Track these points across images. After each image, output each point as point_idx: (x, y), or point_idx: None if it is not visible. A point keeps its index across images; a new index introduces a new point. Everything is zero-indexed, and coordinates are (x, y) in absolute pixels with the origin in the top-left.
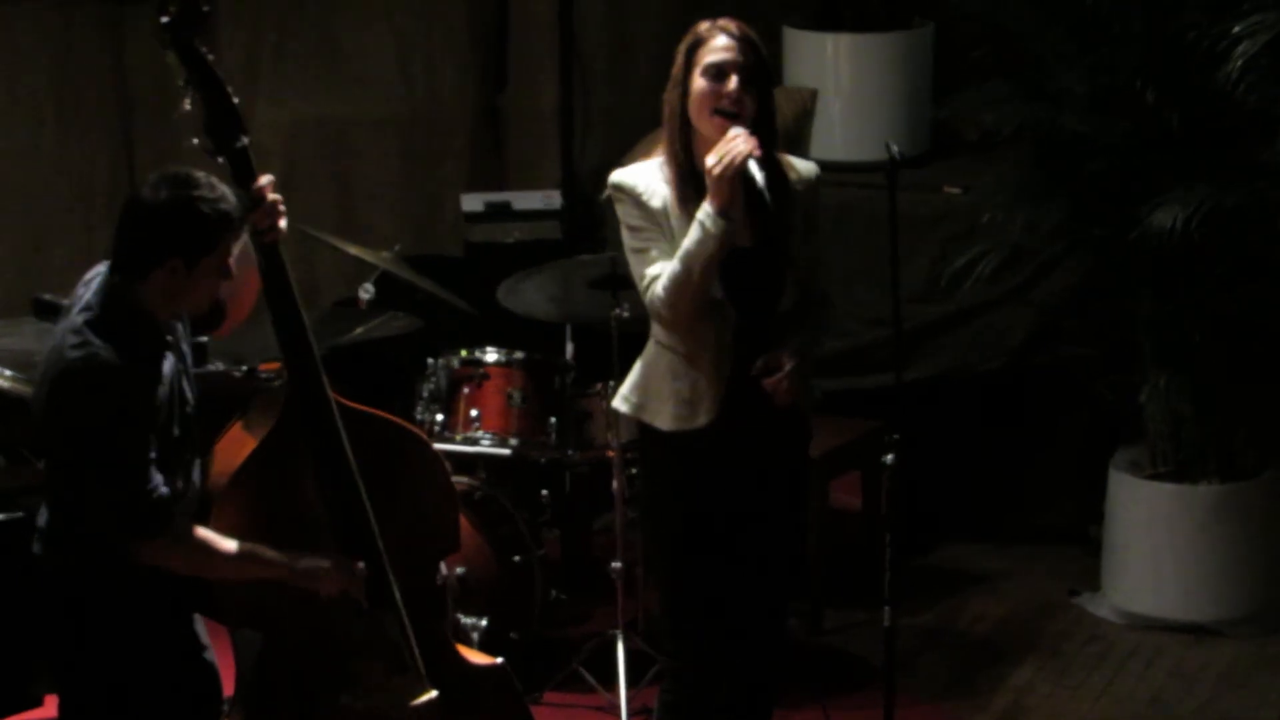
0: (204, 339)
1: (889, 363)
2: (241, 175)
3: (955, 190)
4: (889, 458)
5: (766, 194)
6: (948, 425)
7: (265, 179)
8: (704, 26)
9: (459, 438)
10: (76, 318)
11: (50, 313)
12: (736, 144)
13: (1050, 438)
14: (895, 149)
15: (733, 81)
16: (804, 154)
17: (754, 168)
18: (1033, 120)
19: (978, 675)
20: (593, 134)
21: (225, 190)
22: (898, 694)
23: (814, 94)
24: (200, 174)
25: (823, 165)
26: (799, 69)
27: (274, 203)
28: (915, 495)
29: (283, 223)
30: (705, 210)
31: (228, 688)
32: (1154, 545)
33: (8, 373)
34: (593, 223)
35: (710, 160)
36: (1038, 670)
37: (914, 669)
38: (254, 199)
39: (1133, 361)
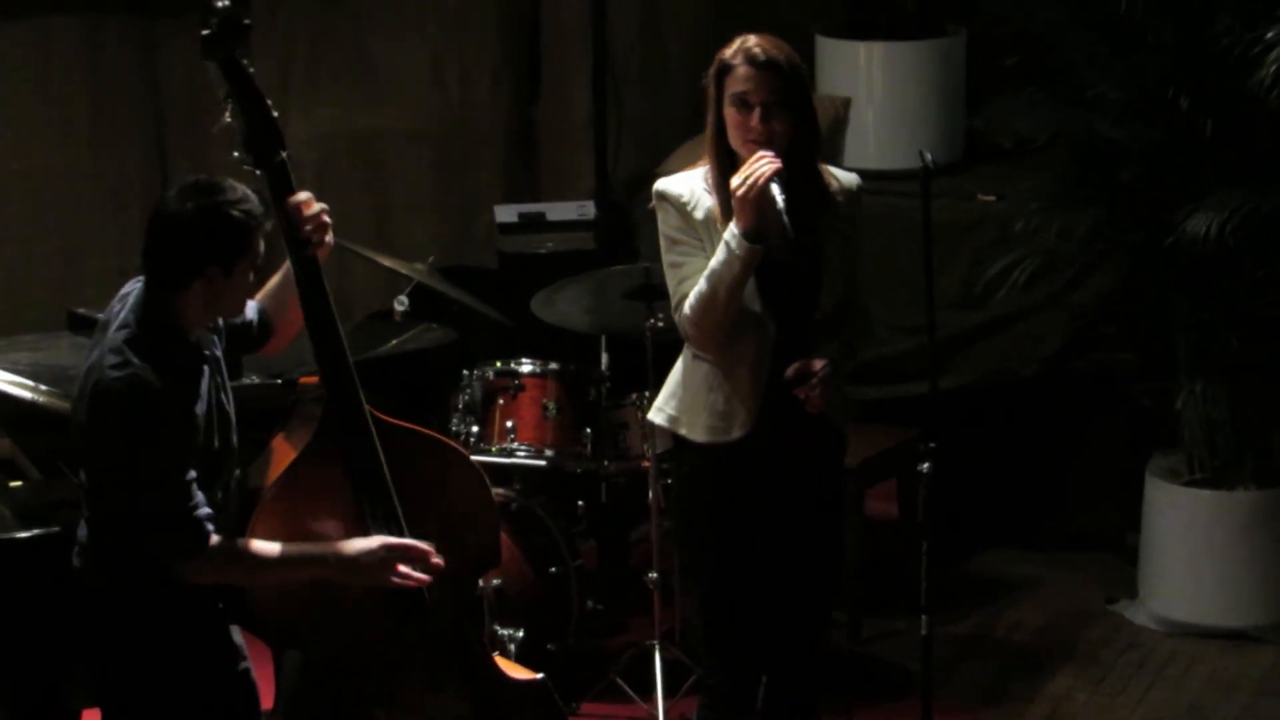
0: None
1: (924, 371)
2: (280, 188)
3: (989, 198)
4: (925, 466)
5: (785, 217)
6: (984, 433)
7: (303, 195)
8: (729, 52)
9: (494, 449)
10: (115, 335)
11: (86, 326)
12: (759, 166)
13: (1086, 444)
14: (929, 157)
15: (755, 116)
16: (837, 163)
17: (775, 190)
18: (1067, 127)
19: (1015, 683)
20: (626, 144)
21: (245, 190)
22: (935, 702)
23: (847, 102)
24: (219, 179)
25: (856, 173)
26: (832, 77)
27: (318, 214)
28: (951, 503)
29: (329, 236)
30: (731, 231)
31: (266, 700)
32: (1191, 552)
33: (44, 387)
34: (627, 233)
35: (734, 182)
36: (1076, 678)
37: (952, 677)
38: (292, 213)
39: (1168, 367)
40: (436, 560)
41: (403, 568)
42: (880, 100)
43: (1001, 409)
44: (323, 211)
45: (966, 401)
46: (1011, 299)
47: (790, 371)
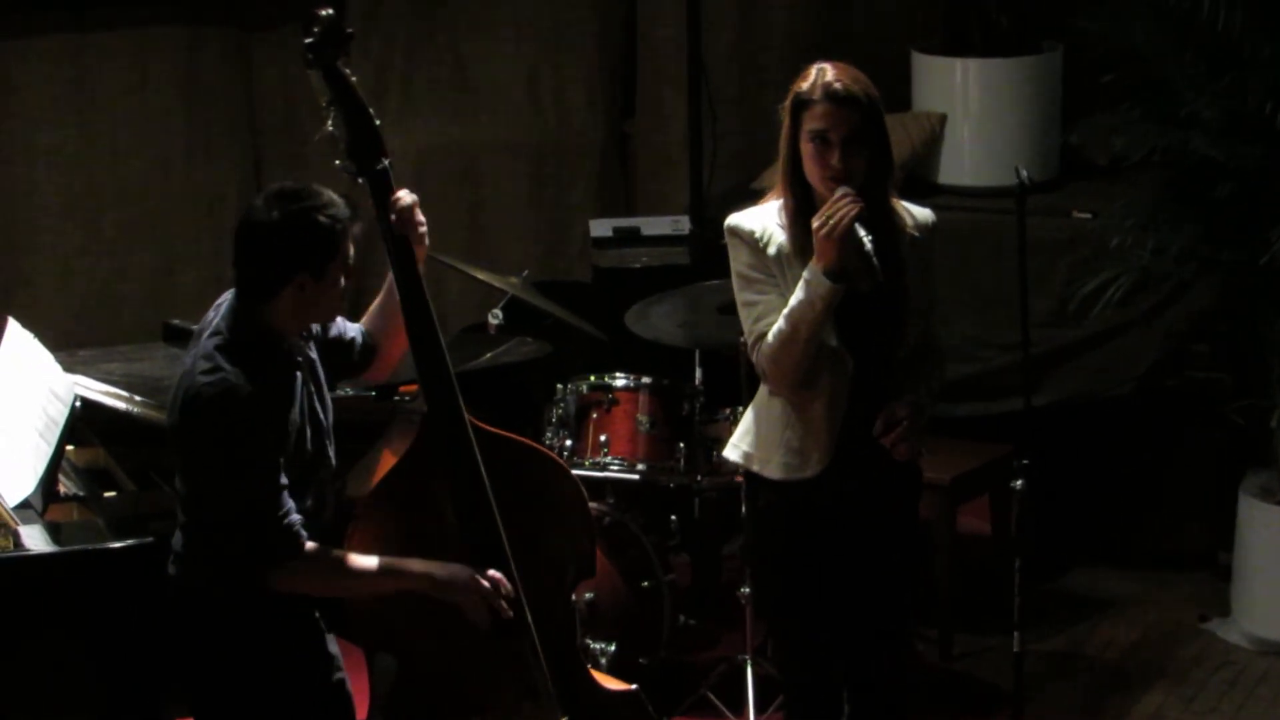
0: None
1: (1018, 387)
2: (382, 196)
3: (1085, 215)
4: (1018, 482)
5: (874, 258)
6: (1077, 450)
7: (401, 193)
8: (806, 85)
9: (588, 463)
10: (207, 343)
11: (180, 338)
12: (843, 205)
13: (1180, 462)
14: (1024, 174)
15: (836, 155)
16: (932, 179)
17: (861, 230)
18: (1163, 145)
19: (1107, 701)
20: (721, 159)
21: (331, 194)
22: (1026, 719)
23: (943, 118)
24: (304, 185)
25: (951, 190)
26: (927, 94)
27: (410, 205)
28: (1044, 520)
29: (425, 236)
30: (812, 269)
31: (361, 711)
32: None
33: (138, 398)
34: (721, 248)
35: (816, 222)
36: (1167, 696)
37: (1043, 694)
38: (390, 209)
39: (1263, 386)
40: (507, 586)
41: (486, 597)
42: (976, 117)
43: (1095, 426)
44: (415, 205)
45: (1060, 418)
46: (1106, 316)
47: (877, 428)
